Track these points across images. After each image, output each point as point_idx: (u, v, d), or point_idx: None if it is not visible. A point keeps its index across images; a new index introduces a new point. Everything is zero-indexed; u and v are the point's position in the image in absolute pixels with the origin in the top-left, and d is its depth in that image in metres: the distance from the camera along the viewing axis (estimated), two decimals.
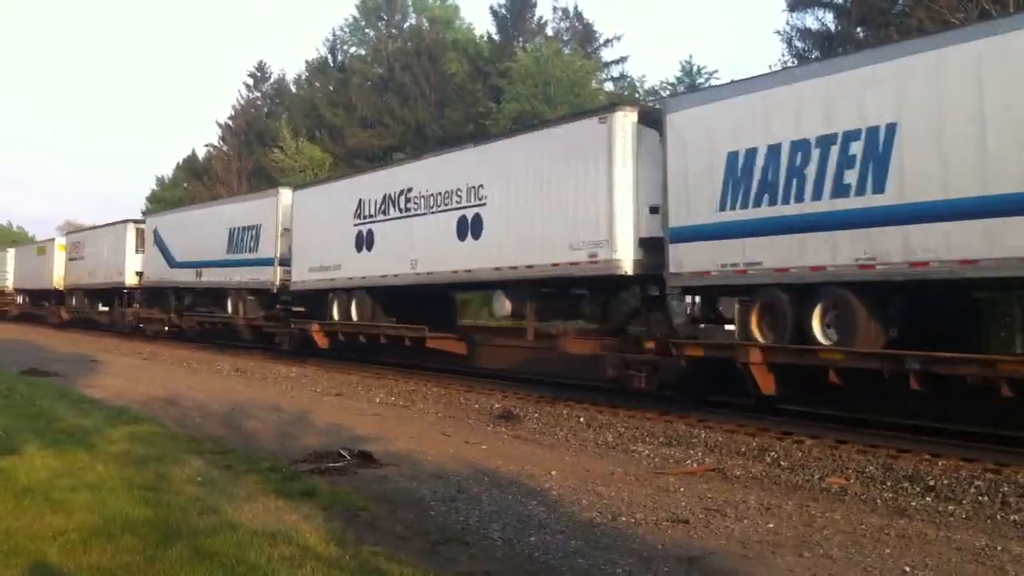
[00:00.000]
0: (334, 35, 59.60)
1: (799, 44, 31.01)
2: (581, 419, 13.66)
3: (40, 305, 48.16)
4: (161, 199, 66.82)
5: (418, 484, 8.85)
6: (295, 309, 24.91)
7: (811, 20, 30.96)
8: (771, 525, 7.60)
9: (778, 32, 32.40)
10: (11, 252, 53.64)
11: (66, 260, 42.88)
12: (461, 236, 17.75)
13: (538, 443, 12.06)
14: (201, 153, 68.89)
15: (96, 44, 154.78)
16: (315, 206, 23.64)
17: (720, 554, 6.68)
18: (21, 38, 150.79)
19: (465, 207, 17.74)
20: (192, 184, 65.05)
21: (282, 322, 25.11)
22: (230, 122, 63.95)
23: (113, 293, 37.42)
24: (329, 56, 59.15)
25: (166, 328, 33.02)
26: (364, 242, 21.20)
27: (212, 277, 28.66)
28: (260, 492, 7.92)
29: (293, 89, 62.09)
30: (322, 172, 44.39)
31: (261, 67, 64.44)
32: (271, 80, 64.47)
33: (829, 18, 30.84)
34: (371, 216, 21.03)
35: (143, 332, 34.68)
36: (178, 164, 73.56)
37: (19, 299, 51.77)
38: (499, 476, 9.34)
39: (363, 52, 57.34)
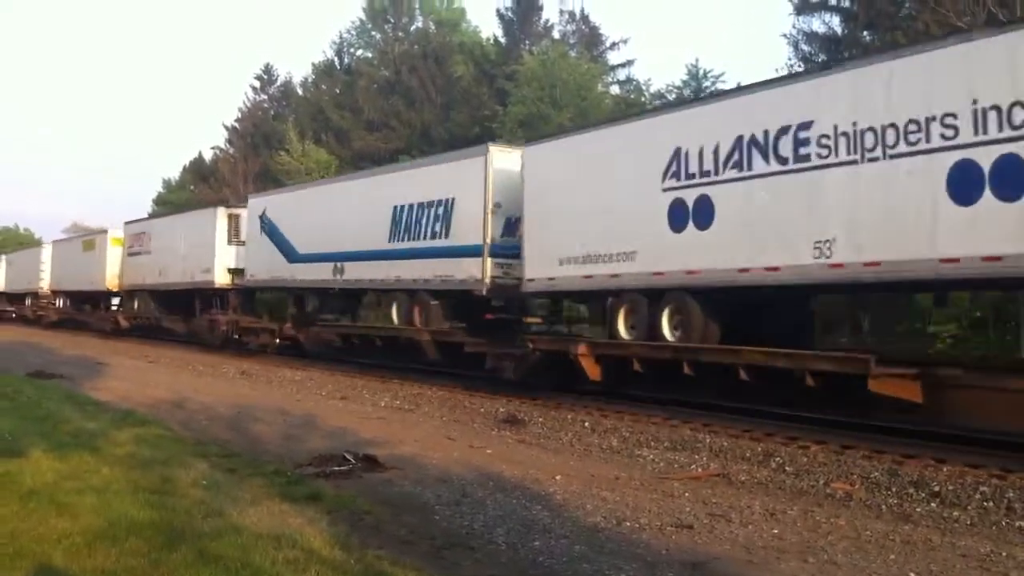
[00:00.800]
0: (341, 38, 59.62)
1: (806, 48, 30.92)
2: (586, 424, 13.66)
3: (83, 310, 41.69)
4: (167, 201, 66.97)
5: (423, 488, 8.85)
6: (529, 320, 18.56)
7: (817, 24, 30.87)
8: (776, 531, 7.60)
9: (784, 35, 32.36)
10: (47, 248, 46.94)
11: (123, 255, 35.81)
12: (964, 197, 10.20)
13: (543, 447, 12.06)
14: (207, 155, 69.14)
15: (102, 45, 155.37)
16: (570, 166, 15.96)
17: (724, 560, 6.67)
18: (25, 39, 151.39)
19: (972, 144, 10.12)
20: (198, 186, 65.19)
21: (496, 338, 17.97)
22: (236, 124, 64.11)
23: (193, 296, 30.62)
24: (336, 59, 59.23)
25: (277, 341, 26.06)
26: (689, 216, 13.65)
27: (363, 274, 21.38)
28: (265, 496, 7.93)
29: (300, 92, 62.17)
30: (328, 175, 42.65)
31: (268, 70, 64.62)
32: (278, 83, 64.63)
33: (836, 22, 30.74)
34: (705, 174, 13.39)
35: (244, 347, 27.19)
36: (184, 166, 73.82)
37: (57, 302, 44.97)
38: (504, 480, 9.35)
39: (369, 55, 57.36)
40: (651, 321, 14.54)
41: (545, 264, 16.31)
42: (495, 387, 17.62)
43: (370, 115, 50.65)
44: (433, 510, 7.98)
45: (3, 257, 56.34)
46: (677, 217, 13.90)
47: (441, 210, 18.82)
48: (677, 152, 13.89)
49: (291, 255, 24.49)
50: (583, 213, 15.53)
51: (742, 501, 8.79)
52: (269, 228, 25.56)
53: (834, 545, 7.14)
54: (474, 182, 17.96)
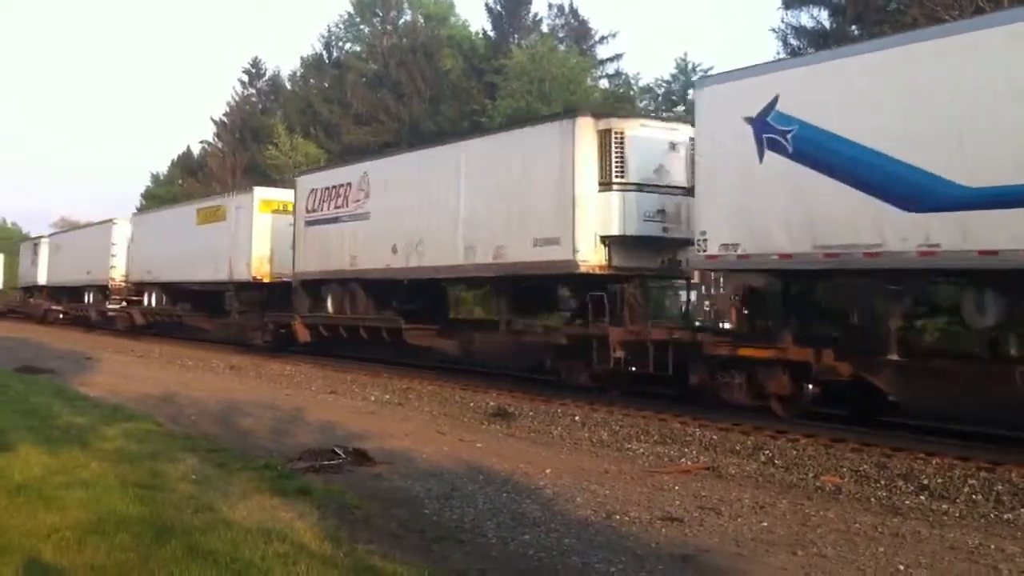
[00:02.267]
0: (329, 32, 59.38)
1: (794, 42, 30.98)
2: (576, 417, 13.66)
3: (179, 312, 30.24)
4: (155, 195, 66.64)
5: (413, 482, 8.85)
6: None
7: (806, 18, 30.95)
8: (765, 524, 7.62)
9: (773, 29, 32.35)
10: (121, 225, 34.29)
11: (295, 227, 23.16)
12: None
13: (533, 441, 12.07)
14: (196, 150, 68.90)
15: (89, 41, 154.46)
16: None
17: (714, 552, 6.69)
18: (12, 34, 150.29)
19: None
20: (187, 181, 64.91)
21: None
22: (225, 119, 63.82)
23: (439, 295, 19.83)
24: (324, 53, 59.00)
25: (810, 389, 12.35)
26: None
27: None
28: (255, 490, 7.91)
29: (288, 86, 61.96)
30: None
31: (256, 64, 64.31)
32: (266, 77, 64.32)
33: (824, 16, 30.83)
34: None
35: (713, 399, 13.39)
36: (173, 161, 73.54)
37: (146, 299, 32.48)
38: (494, 474, 9.35)
39: (358, 49, 57.14)
40: None
41: None
42: (479, 380, 17.62)
43: (358, 109, 50.53)
44: (423, 504, 7.98)
45: (44, 240, 44.98)
46: None
47: None
48: None
49: (915, 194, 10.66)
50: None
51: (732, 494, 8.82)
52: (799, 141, 11.87)
53: (823, 538, 7.17)
54: None
